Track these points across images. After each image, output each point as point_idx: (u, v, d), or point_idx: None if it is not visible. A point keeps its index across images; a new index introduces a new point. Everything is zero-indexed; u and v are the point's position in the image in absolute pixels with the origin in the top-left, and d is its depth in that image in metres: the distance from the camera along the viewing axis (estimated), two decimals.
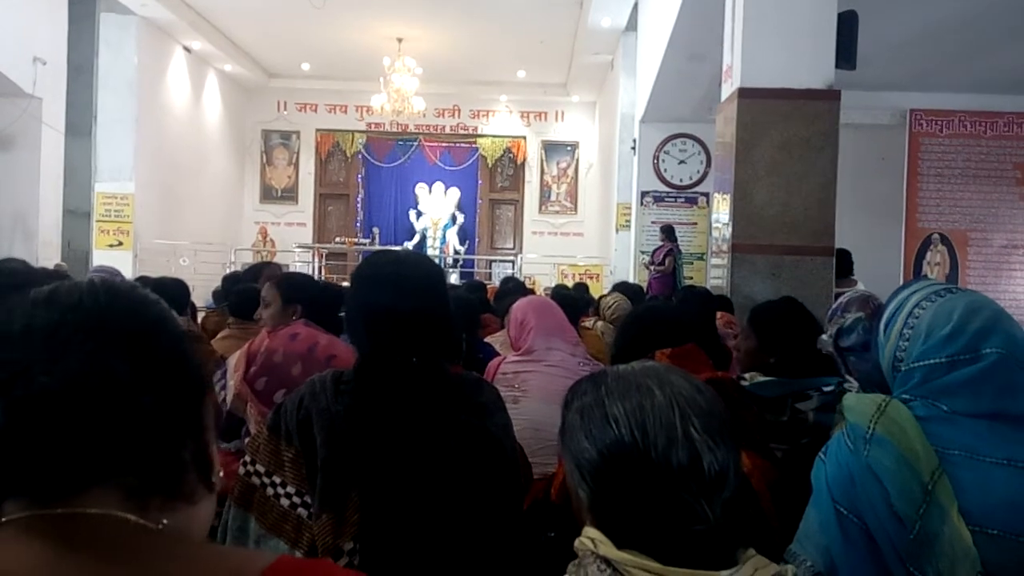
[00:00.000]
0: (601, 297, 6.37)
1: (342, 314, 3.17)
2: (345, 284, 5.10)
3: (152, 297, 0.84)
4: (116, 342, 0.75)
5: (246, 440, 2.42)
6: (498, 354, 3.37)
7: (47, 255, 9.60)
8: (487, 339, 4.03)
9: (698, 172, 11.84)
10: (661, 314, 2.27)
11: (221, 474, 0.85)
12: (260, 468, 1.52)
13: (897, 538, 1.24)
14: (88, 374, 0.71)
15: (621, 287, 6.84)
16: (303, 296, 3.01)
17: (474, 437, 1.54)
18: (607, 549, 0.99)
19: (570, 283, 9.88)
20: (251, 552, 1.01)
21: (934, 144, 9.87)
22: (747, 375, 2.45)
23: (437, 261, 14.95)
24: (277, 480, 1.50)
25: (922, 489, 1.24)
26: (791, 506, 1.47)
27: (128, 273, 9.04)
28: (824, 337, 2.44)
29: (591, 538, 1.01)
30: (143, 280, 4.65)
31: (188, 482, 0.77)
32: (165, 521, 0.73)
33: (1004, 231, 9.84)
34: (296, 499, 1.48)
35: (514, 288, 6.09)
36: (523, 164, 18.30)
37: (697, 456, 0.99)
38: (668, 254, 10.17)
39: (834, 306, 2.93)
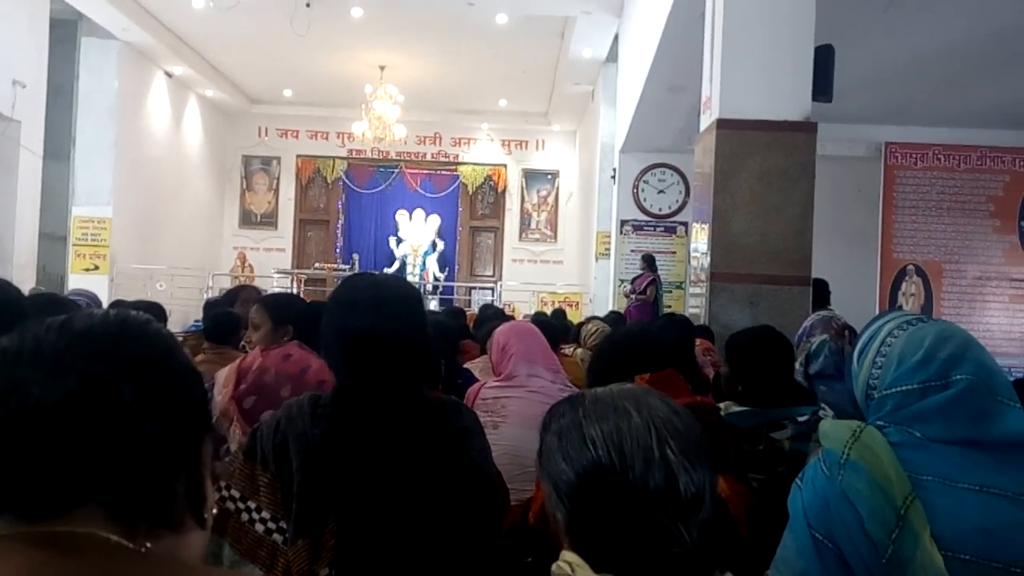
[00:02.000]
0: (581, 324, 6.38)
1: None
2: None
3: (165, 331, 0.85)
4: (124, 367, 0.76)
5: (225, 460, 2.40)
6: (477, 380, 3.36)
7: (22, 279, 9.50)
8: (466, 365, 4.02)
9: (677, 202, 11.93)
10: (639, 338, 2.27)
11: (215, 511, 0.85)
12: (235, 493, 1.50)
13: (870, 562, 1.25)
14: (88, 394, 0.72)
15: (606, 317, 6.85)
16: (294, 316, 2.98)
17: (453, 461, 1.53)
18: (584, 573, 0.98)
19: (549, 311, 9.90)
20: (230, 573, 1.00)
21: (909, 177, 10.01)
22: (722, 405, 2.46)
23: (416, 287, 14.94)
24: (252, 505, 1.48)
25: (895, 514, 1.26)
26: (768, 533, 1.48)
27: (104, 297, 8.96)
28: (796, 366, 2.46)
29: (568, 562, 1.00)
30: (119, 304, 4.62)
31: (177, 513, 0.78)
32: (148, 545, 0.73)
33: (978, 263, 9.97)
34: (271, 524, 1.47)
35: (494, 315, 6.09)
36: (504, 192, 18.37)
37: (673, 478, 0.99)
38: (651, 283, 10.23)
39: (799, 332, 2.95)
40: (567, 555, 1.02)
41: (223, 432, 2.62)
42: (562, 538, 1.05)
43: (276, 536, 1.45)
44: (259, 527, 1.46)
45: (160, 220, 14.31)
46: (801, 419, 2.28)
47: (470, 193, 18.43)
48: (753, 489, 1.88)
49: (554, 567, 1.02)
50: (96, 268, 12.27)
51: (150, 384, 0.76)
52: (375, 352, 1.54)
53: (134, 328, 0.81)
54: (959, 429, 1.32)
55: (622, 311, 10.08)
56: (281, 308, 3.04)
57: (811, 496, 1.36)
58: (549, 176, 18.29)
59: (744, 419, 2.32)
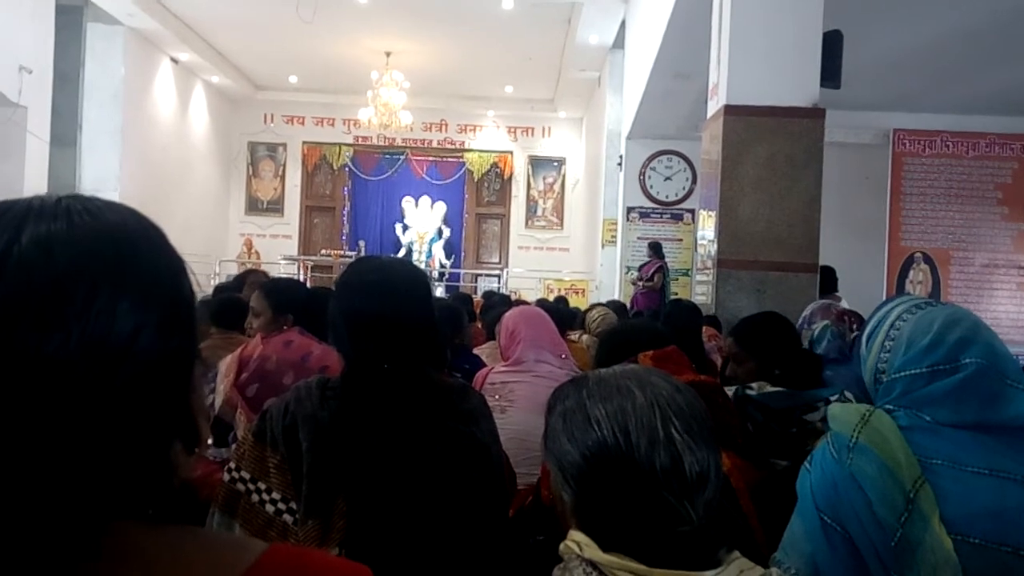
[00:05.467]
0: (587, 310, 6.38)
1: None
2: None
3: (161, 240, 0.67)
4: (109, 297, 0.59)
5: (233, 447, 2.41)
6: (484, 365, 3.37)
7: None
8: (474, 350, 4.03)
9: (684, 189, 11.92)
10: (642, 326, 2.28)
11: (224, 493, 0.74)
12: (245, 475, 1.51)
13: (879, 545, 1.25)
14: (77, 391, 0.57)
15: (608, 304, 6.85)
16: (294, 305, 2.93)
17: (461, 443, 1.54)
18: (592, 552, 0.99)
19: (553, 298, 9.90)
20: (245, 539, 0.94)
21: (917, 164, 9.98)
22: (755, 384, 2.42)
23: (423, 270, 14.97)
24: (262, 487, 1.49)
25: (904, 497, 1.25)
26: (786, 515, 1.47)
27: None
28: None
29: (576, 541, 1.01)
30: None
31: (174, 479, 0.66)
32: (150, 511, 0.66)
33: (985, 250, 9.95)
34: (281, 505, 1.47)
35: (500, 301, 6.11)
36: (510, 179, 18.35)
37: (678, 457, 0.99)
38: (658, 270, 10.23)
39: (799, 321, 2.94)
40: (575, 535, 1.03)
41: (228, 419, 2.62)
42: (569, 519, 1.06)
43: (286, 517, 1.46)
44: (269, 508, 1.47)
45: (166, 207, 14.31)
46: (833, 398, 2.26)
47: (476, 180, 18.42)
48: (774, 472, 1.88)
49: (562, 546, 1.03)
50: None
51: (148, 345, 0.60)
52: (383, 334, 1.54)
53: (140, 251, 0.63)
54: (968, 413, 1.32)
55: (629, 298, 10.09)
56: (281, 295, 2.98)
57: (819, 479, 1.36)
58: (555, 163, 18.27)
59: (778, 400, 2.31)
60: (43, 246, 0.60)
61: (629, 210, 12.01)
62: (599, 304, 6.69)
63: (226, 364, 2.79)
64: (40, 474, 0.56)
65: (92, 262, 0.60)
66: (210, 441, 2.52)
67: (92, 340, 0.58)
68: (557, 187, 18.28)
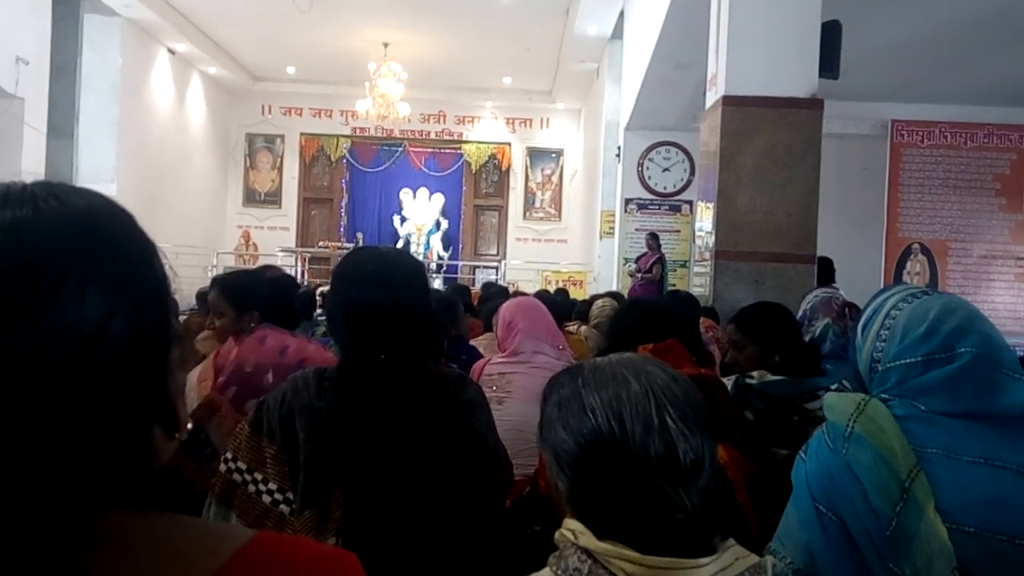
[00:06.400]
0: (590, 300, 6.38)
1: (319, 311, 3.09)
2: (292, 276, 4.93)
3: (101, 201, 0.66)
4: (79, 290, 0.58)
5: (206, 450, 2.38)
6: (481, 356, 3.37)
7: None
8: (472, 342, 4.03)
9: (682, 180, 11.91)
10: (653, 306, 2.28)
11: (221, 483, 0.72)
12: (241, 465, 1.51)
13: (875, 535, 1.25)
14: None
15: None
16: (258, 299, 2.79)
17: (458, 433, 1.54)
18: (587, 540, 0.99)
19: (553, 289, 9.91)
20: (232, 526, 0.92)
21: (915, 155, 9.97)
22: (755, 373, 2.43)
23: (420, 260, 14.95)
24: (259, 477, 1.49)
25: (899, 487, 1.25)
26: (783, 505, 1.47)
27: None
28: None
29: (572, 529, 1.01)
30: None
31: (154, 464, 0.65)
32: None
33: (983, 241, 9.95)
34: (278, 496, 1.48)
35: (497, 292, 6.11)
36: (508, 170, 18.33)
37: (673, 445, 0.99)
38: (657, 262, 10.24)
39: (800, 313, 2.93)
40: (570, 523, 1.03)
41: (202, 423, 2.47)
42: (564, 507, 1.06)
43: (283, 507, 1.46)
44: (266, 498, 1.47)
45: (164, 198, 14.29)
46: (833, 387, 2.27)
47: (474, 172, 18.40)
48: (771, 463, 1.88)
49: (557, 534, 1.03)
50: None
51: (120, 329, 0.60)
52: (380, 324, 1.54)
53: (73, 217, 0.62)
54: (964, 402, 1.32)
55: (626, 290, 10.10)
56: (242, 293, 2.80)
57: (815, 468, 1.36)
58: (553, 154, 18.24)
59: (779, 388, 2.31)
60: (10, 232, 0.59)
61: (627, 201, 12.01)
62: (603, 295, 6.69)
63: (197, 373, 2.67)
64: (20, 464, 0.56)
65: (60, 247, 0.59)
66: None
67: (61, 328, 0.57)
68: (555, 178, 18.27)
